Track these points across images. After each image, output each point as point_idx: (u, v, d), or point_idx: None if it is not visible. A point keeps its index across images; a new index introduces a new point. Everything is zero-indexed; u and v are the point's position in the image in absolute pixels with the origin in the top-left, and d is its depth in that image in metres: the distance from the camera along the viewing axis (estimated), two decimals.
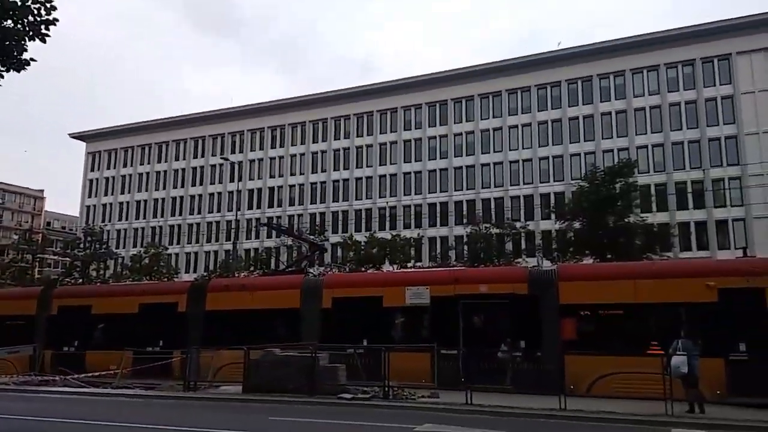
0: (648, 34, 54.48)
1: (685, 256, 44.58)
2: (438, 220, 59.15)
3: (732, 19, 51.49)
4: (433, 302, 17.49)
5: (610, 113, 55.58)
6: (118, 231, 73.55)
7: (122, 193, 75.79)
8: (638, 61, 54.59)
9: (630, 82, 55.13)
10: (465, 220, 49.05)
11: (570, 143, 56.28)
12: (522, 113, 58.92)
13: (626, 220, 33.05)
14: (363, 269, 39.98)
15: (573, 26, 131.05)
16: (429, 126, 62.48)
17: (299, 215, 65.19)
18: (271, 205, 67.69)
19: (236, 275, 42.08)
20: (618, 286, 15.71)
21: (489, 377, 14.80)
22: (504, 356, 15.80)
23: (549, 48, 61.89)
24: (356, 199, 63.71)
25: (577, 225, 35.39)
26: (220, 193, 70.59)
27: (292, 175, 67.95)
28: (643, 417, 11.82)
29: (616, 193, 33.36)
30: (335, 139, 66.63)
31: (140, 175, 75.43)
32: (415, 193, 61.20)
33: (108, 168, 77.51)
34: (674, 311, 15.08)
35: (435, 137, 62.07)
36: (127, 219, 74.27)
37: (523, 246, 46.85)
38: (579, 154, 55.46)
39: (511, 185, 57.50)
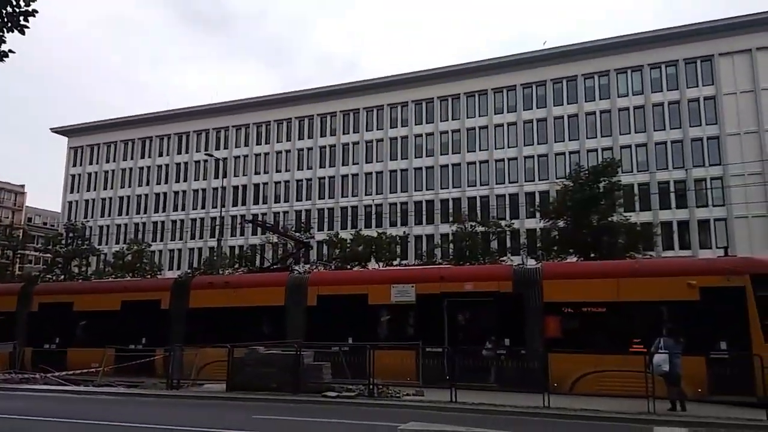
0: (632, 34, 54.95)
1: (667, 255, 45.06)
2: (424, 218, 59.23)
3: (714, 20, 52.12)
4: (419, 300, 17.50)
5: (594, 113, 56.00)
6: (101, 227, 72.73)
7: (105, 188, 74.90)
8: (622, 62, 55.04)
9: (614, 82, 55.59)
10: (451, 219, 49.12)
11: (555, 142, 56.62)
12: (508, 112, 59.15)
13: (610, 219, 33.32)
14: (348, 267, 39.93)
15: (560, 27, 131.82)
16: (415, 124, 62.49)
17: (285, 212, 64.92)
18: (256, 202, 67.31)
19: (220, 272, 41.80)
20: (601, 285, 15.80)
21: (474, 375, 14.86)
22: (488, 354, 15.86)
23: (535, 47, 62.14)
24: (342, 197, 63.58)
25: (561, 224, 35.60)
26: (204, 190, 70.02)
27: (277, 171, 67.60)
28: (626, 415, 11.93)
29: (600, 193, 33.59)
30: (321, 136, 66.38)
31: (123, 170, 74.58)
32: (402, 191, 61.20)
33: (90, 163, 76.50)
34: (656, 310, 15.23)
35: (421, 135, 62.10)
36: (109, 215, 73.43)
37: (508, 244, 47.05)
38: (564, 154, 55.83)
39: (496, 184, 57.73)
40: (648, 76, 54.49)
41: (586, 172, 35.14)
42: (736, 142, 50.04)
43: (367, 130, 64.43)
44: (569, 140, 56.15)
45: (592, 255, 31.90)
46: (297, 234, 45.77)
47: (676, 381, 12.66)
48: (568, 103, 56.97)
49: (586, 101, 56.31)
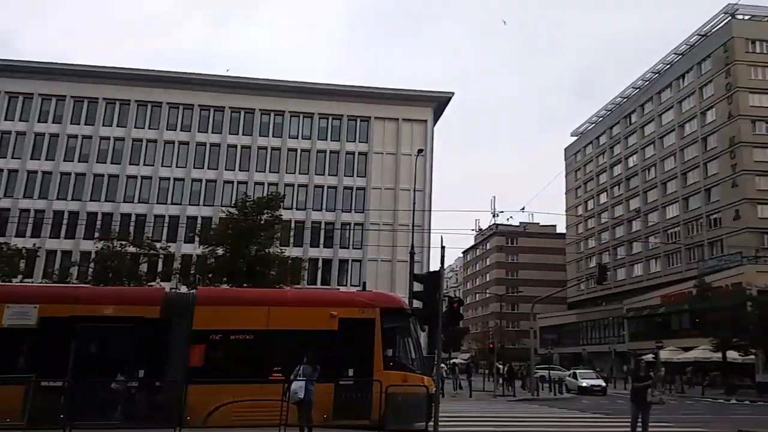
0: (309, 83, 59.62)
1: (311, 288, 48.87)
2: (63, 230, 51.71)
3: (374, 87, 60.54)
4: (42, 324, 14.60)
5: (266, 148, 58.35)
6: None
7: None
8: (297, 106, 59.10)
9: (287, 123, 59.14)
10: (97, 234, 43.75)
11: (225, 170, 56.77)
12: (181, 130, 57.11)
13: (267, 250, 34.41)
14: None
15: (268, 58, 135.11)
16: (71, 123, 54.95)
17: None
18: None
19: None
20: (253, 312, 15.76)
21: (98, 412, 12.99)
22: (119, 387, 14.11)
23: (218, 72, 61.98)
24: None
25: (220, 251, 35.21)
26: None
27: None
28: None
29: (262, 224, 34.56)
30: None
31: None
32: (39, 197, 52.42)
33: None
34: (302, 338, 15.77)
35: (76, 136, 54.86)
36: None
37: (160, 268, 44.30)
38: (232, 182, 56.37)
39: (157, 202, 54.46)
40: (317, 124, 59.68)
41: (252, 202, 35.80)
42: (377, 194, 58.36)
43: (5, 120, 53.79)
44: (239, 170, 57.05)
45: (245, 284, 32.26)
46: None
47: (308, 408, 13.24)
48: (243, 134, 58.08)
49: (260, 135, 58.36)
